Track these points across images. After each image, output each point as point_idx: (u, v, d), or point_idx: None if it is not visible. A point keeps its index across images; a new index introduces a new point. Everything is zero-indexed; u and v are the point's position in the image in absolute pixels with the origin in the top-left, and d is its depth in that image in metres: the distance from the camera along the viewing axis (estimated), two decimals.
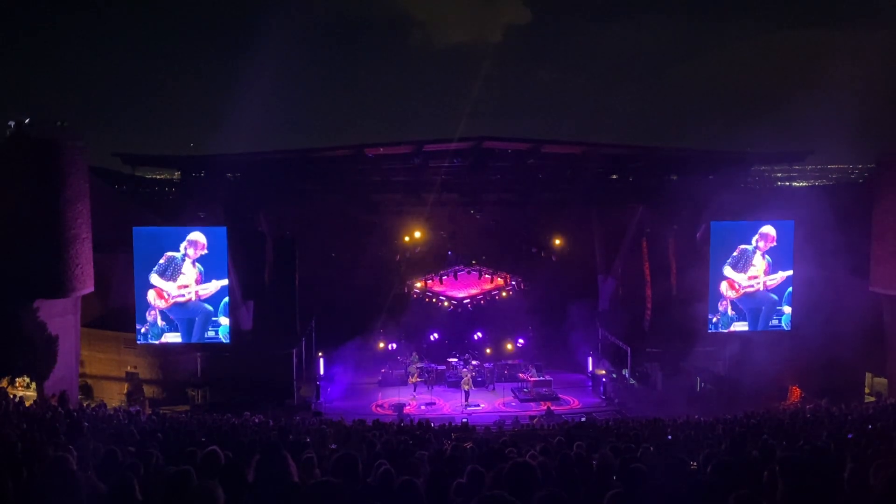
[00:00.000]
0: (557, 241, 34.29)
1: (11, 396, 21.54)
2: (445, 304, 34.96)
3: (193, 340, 27.59)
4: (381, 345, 33.51)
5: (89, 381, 28.29)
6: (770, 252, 28.44)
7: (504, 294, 35.55)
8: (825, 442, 10.84)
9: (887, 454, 8.46)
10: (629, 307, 32.29)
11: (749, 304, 28.61)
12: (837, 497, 5.93)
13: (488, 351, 33.39)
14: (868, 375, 27.73)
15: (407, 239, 33.85)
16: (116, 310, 28.51)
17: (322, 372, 30.43)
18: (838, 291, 25.39)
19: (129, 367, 28.40)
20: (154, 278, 27.25)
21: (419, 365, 31.71)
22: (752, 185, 35.55)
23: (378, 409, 28.00)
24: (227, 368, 27.71)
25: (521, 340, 34.40)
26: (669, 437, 14.54)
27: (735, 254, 28.44)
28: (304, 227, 32.26)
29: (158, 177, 39.11)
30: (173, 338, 27.39)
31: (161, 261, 27.14)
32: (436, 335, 34.54)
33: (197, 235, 27.41)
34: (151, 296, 27.21)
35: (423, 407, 27.99)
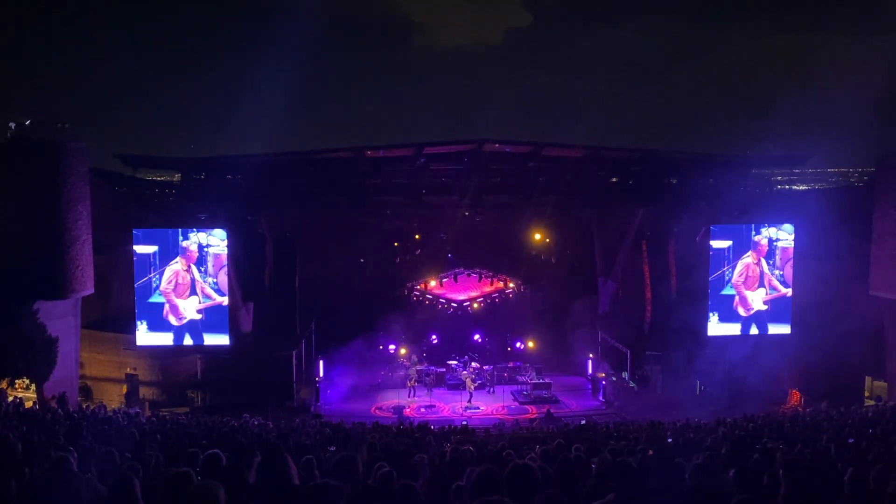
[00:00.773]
0: (557, 244, 34.28)
1: (11, 398, 21.56)
2: (445, 306, 34.95)
3: (194, 344, 27.65)
4: (381, 347, 33.50)
5: (89, 383, 28.28)
6: (770, 256, 28.46)
7: (504, 297, 35.56)
8: (825, 445, 10.85)
9: (888, 458, 8.47)
10: (629, 310, 32.27)
11: (755, 318, 28.67)
12: (838, 501, 5.93)
13: (488, 353, 33.39)
14: (868, 379, 27.72)
15: (407, 241, 33.84)
16: (116, 311, 28.49)
17: (322, 374, 30.41)
18: (838, 295, 25.39)
19: (128, 369, 28.40)
20: (161, 298, 27.20)
21: (419, 367, 31.72)
22: (753, 189, 35.54)
23: (378, 411, 28.00)
24: (227, 370, 27.70)
25: (519, 343, 34.41)
26: (669, 440, 14.53)
27: (740, 270, 28.43)
28: (304, 230, 32.28)
29: (159, 178, 39.07)
30: (168, 339, 27.41)
31: (167, 276, 27.13)
32: (435, 338, 34.54)
33: (189, 243, 27.34)
34: (167, 311, 27.24)
35: (422, 409, 27.98)
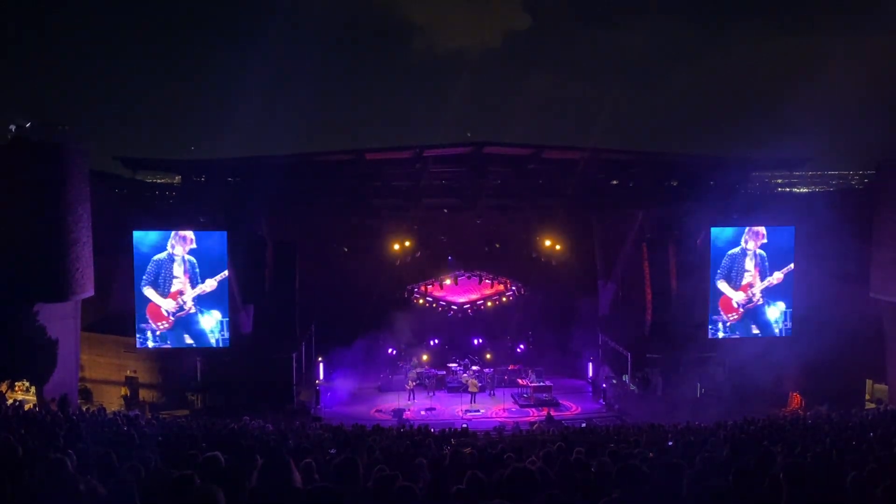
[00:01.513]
0: (558, 247, 34.28)
1: (11, 401, 21.53)
2: (446, 309, 34.93)
3: (196, 346, 27.68)
4: (381, 349, 33.47)
5: (89, 385, 28.26)
6: (764, 249, 28.52)
7: (504, 299, 35.55)
8: (826, 449, 10.82)
9: (889, 462, 8.45)
10: (629, 312, 32.26)
11: (751, 316, 28.70)
12: None
13: (488, 356, 33.37)
14: (868, 382, 27.69)
15: (407, 244, 33.84)
16: (116, 314, 28.50)
17: (322, 377, 30.40)
18: (838, 298, 25.38)
19: (128, 371, 28.38)
20: (148, 291, 27.24)
21: (419, 370, 31.71)
22: (753, 191, 35.55)
23: (378, 414, 27.96)
24: (227, 373, 27.69)
25: (520, 346, 34.39)
26: (670, 443, 14.49)
27: (725, 261, 28.50)
28: (304, 232, 32.28)
29: (159, 181, 39.06)
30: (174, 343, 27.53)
31: (149, 268, 27.20)
32: (436, 340, 34.52)
33: (185, 231, 27.56)
34: (151, 312, 27.25)
35: (422, 412, 27.95)
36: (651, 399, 28.40)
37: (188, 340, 27.74)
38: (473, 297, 35.49)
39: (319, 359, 31.11)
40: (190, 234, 27.61)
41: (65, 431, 13.41)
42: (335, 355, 31.04)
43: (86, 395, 27.76)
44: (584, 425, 22.38)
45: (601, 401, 29.57)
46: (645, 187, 34.62)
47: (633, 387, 29.57)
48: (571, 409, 29.04)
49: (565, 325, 32.79)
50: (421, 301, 34.90)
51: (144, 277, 27.17)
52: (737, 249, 28.67)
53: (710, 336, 28.64)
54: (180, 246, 27.43)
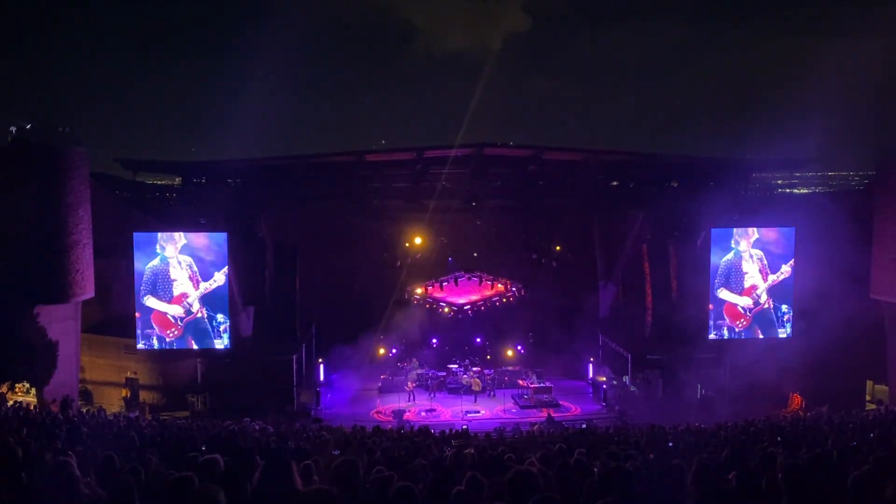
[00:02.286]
0: (558, 248, 34.29)
1: (11, 402, 21.54)
2: (446, 310, 34.93)
3: (200, 347, 27.73)
4: (382, 351, 33.49)
5: (89, 387, 28.27)
6: (758, 247, 28.47)
7: (505, 300, 35.54)
8: (827, 450, 10.80)
9: (890, 463, 8.43)
10: (630, 314, 32.26)
11: (761, 320, 28.70)
12: None
13: (488, 357, 33.36)
14: (869, 383, 27.70)
15: (407, 245, 33.85)
16: (117, 315, 28.50)
17: (322, 378, 30.40)
18: (839, 298, 25.37)
19: (129, 373, 28.38)
20: (150, 301, 27.14)
21: (419, 371, 31.71)
22: (753, 192, 35.56)
23: (378, 415, 27.95)
24: (227, 374, 27.68)
25: (520, 347, 34.38)
26: (670, 444, 14.48)
27: (721, 270, 28.37)
28: (304, 234, 32.29)
29: (159, 182, 39.10)
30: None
31: (146, 277, 27.08)
32: (436, 341, 34.51)
33: (173, 231, 27.47)
34: (158, 321, 27.22)
35: (423, 413, 27.95)
36: (651, 400, 28.39)
37: (193, 346, 27.75)
38: (474, 298, 35.48)
39: (320, 360, 31.11)
40: (178, 233, 27.55)
41: (65, 433, 13.42)
42: (336, 357, 31.04)
43: (86, 396, 27.77)
44: (584, 426, 22.37)
45: (601, 402, 29.56)
46: (645, 188, 34.64)
47: (633, 388, 29.56)
48: (572, 410, 29.03)
49: (566, 327, 32.77)
50: (421, 302, 34.89)
51: (143, 287, 27.05)
52: (730, 255, 28.51)
53: (710, 337, 28.63)
54: (171, 246, 27.29)
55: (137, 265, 27.01)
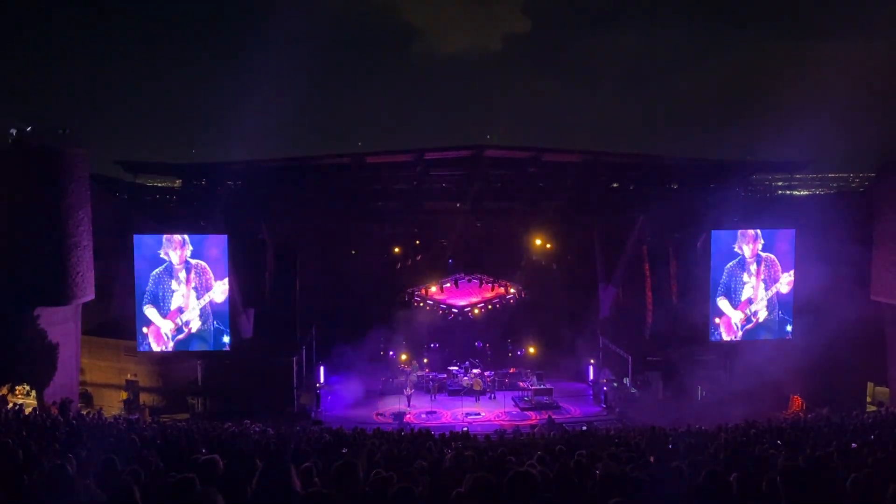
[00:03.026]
0: (558, 250, 34.29)
1: (11, 405, 21.52)
2: (446, 312, 34.94)
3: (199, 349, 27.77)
4: (382, 353, 33.46)
5: (89, 389, 28.27)
6: (766, 252, 28.42)
7: (505, 302, 35.54)
8: (827, 452, 10.80)
9: (889, 464, 8.43)
10: (630, 315, 32.22)
11: (750, 335, 28.68)
12: None
13: (489, 359, 33.35)
14: (870, 385, 27.67)
15: (407, 247, 33.87)
16: (117, 317, 28.50)
17: (322, 380, 30.36)
18: (839, 300, 25.35)
19: (129, 375, 28.38)
20: (150, 311, 26.94)
21: (420, 373, 31.69)
22: (753, 194, 35.60)
23: (378, 417, 27.94)
24: (228, 376, 27.66)
25: (520, 349, 34.37)
26: (670, 446, 14.48)
27: (724, 277, 28.24)
28: (305, 235, 32.31)
29: (159, 184, 39.16)
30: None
31: (149, 285, 26.84)
32: (436, 343, 34.50)
33: (177, 234, 27.17)
34: (153, 333, 27.08)
35: (423, 415, 27.93)
36: (652, 402, 28.36)
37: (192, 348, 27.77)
38: (474, 300, 35.49)
39: (320, 362, 31.08)
40: (184, 235, 27.35)
41: (65, 435, 13.42)
42: (336, 359, 31.01)
43: (86, 398, 27.76)
44: (584, 428, 22.35)
45: (602, 404, 29.55)
46: (645, 191, 34.67)
47: (633, 390, 29.53)
48: (572, 412, 29.00)
49: (566, 328, 32.77)
50: (421, 304, 34.89)
51: (145, 296, 26.90)
52: (733, 263, 28.33)
53: (710, 339, 28.61)
54: (175, 253, 27.05)
55: (140, 269, 26.88)
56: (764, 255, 28.41)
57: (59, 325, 24.89)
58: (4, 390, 23.19)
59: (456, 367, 32.26)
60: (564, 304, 33.71)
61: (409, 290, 34.82)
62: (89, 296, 25.56)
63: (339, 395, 30.41)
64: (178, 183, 36.51)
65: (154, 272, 26.97)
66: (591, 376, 31.78)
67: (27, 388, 24.51)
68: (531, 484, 4.97)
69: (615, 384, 30.36)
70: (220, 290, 27.40)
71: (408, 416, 27.51)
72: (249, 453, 10.40)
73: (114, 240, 27.03)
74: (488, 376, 31.34)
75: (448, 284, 34.86)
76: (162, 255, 26.95)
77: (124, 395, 27.99)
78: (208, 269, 27.30)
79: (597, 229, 34.42)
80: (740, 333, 28.53)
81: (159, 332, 27.13)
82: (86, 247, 24.99)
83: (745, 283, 28.37)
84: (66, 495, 5.41)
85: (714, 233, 28.46)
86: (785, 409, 26.97)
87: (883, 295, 25.62)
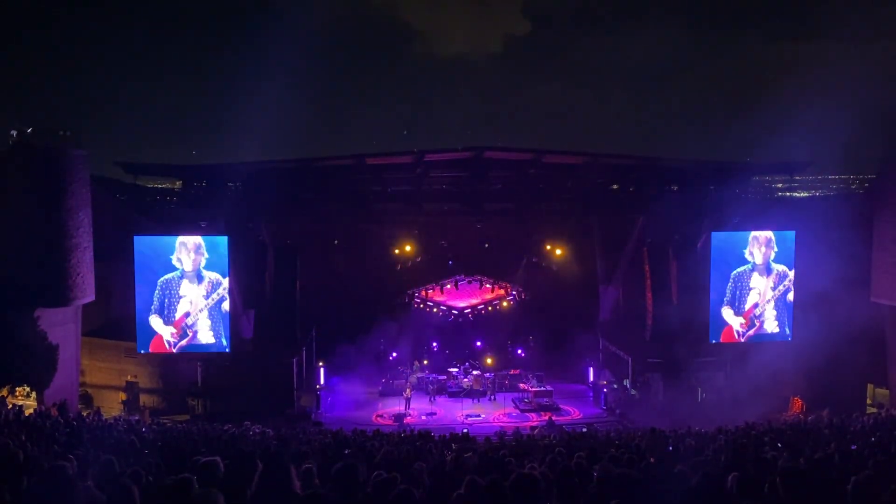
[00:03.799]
0: (558, 251, 34.30)
1: (11, 406, 21.51)
2: (446, 313, 34.92)
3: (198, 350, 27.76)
4: (382, 355, 33.44)
5: (89, 391, 28.27)
6: (778, 261, 28.36)
7: (505, 304, 35.53)
8: (827, 454, 10.79)
9: (890, 467, 8.42)
10: (630, 317, 32.23)
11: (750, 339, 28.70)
12: None
13: (489, 361, 33.34)
14: (870, 386, 27.65)
15: (408, 248, 33.87)
16: (117, 319, 28.51)
17: (322, 381, 30.35)
18: (840, 302, 25.36)
19: (129, 376, 28.37)
20: (155, 321, 26.92)
21: (419, 375, 31.68)
22: (753, 196, 35.60)
23: (378, 419, 27.92)
24: (228, 378, 27.67)
25: (520, 351, 34.36)
26: (670, 447, 14.47)
27: (730, 285, 28.13)
28: (305, 237, 32.31)
29: (160, 186, 39.15)
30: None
31: (156, 294, 26.76)
32: (436, 345, 34.49)
33: (189, 237, 27.10)
34: (154, 344, 27.14)
35: (423, 417, 27.91)
36: (652, 403, 28.37)
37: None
38: (474, 301, 35.48)
39: (320, 363, 31.06)
40: (197, 239, 27.15)
41: (65, 437, 13.42)
42: (336, 360, 30.99)
43: (86, 400, 27.76)
44: (584, 430, 22.34)
45: (602, 405, 29.53)
46: (646, 192, 34.64)
47: (633, 391, 29.53)
48: (572, 413, 28.98)
49: (566, 330, 32.76)
50: (422, 306, 34.88)
51: (152, 307, 26.82)
52: (743, 268, 28.20)
53: (711, 341, 28.61)
54: (188, 259, 26.93)
55: (141, 270, 26.84)
56: (776, 266, 28.27)
57: (60, 327, 24.89)
58: (4, 391, 23.19)
59: (456, 369, 32.25)
60: (564, 306, 33.69)
61: (410, 292, 34.82)
62: (89, 297, 25.57)
63: (340, 397, 30.40)
64: (178, 184, 36.50)
65: (163, 278, 26.85)
66: (592, 378, 31.76)
67: (27, 389, 24.52)
68: (534, 486, 4.97)
69: (615, 386, 30.35)
70: (218, 296, 27.41)
71: (408, 417, 27.49)
72: (250, 454, 10.39)
73: (114, 241, 27.03)
74: (488, 378, 31.32)
75: (448, 286, 34.85)
76: (174, 262, 26.86)
77: (123, 396, 27.99)
78: (222, 279, 27.26)
79: (597, 231, 34.42)
80: (742, 340, 28.52)
81: (161, 342, 27.15)
82: (86, 248, 25.01)
83: (751, 289, 28.31)
84: (65, 497, 5.40)
85: (724, 237, 28.43)
86: (785, 410, 26.95)
87: (883, 297, 25.61)
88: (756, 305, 28.40)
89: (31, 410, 21.80)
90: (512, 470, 7.24)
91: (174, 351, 27.37)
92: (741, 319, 28.45)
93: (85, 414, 23.33)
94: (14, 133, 25.91)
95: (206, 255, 27.07)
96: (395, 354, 33.58)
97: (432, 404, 29.61)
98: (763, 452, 10.96)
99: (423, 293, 34.88)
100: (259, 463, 5.95)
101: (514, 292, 35.43)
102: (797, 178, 41.76)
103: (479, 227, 34.42)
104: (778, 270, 28.31)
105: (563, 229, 34.38)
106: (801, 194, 44.19)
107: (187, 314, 27.17)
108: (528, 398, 29.63)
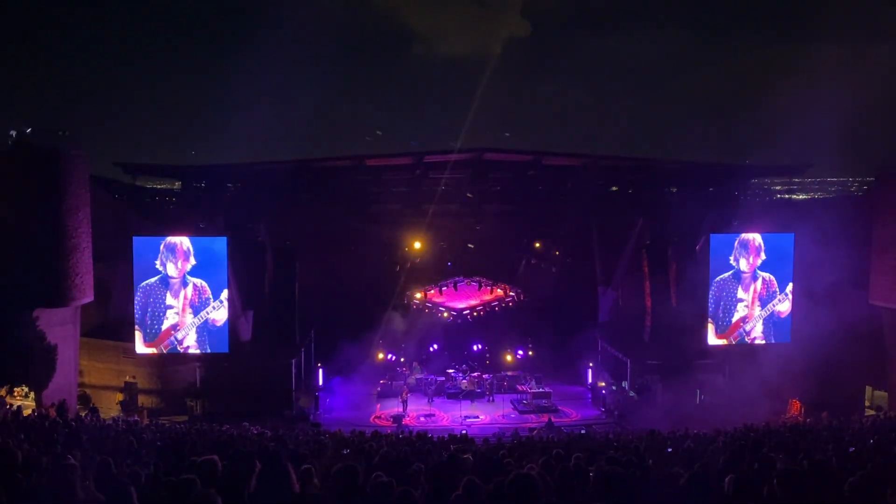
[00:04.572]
0: (557, 253, 34.31)
1: (9, 406, 21.50)
2: (445, 314, 34.93)
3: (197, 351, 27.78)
4: (381, 356, 33.45)
5: (88, 391, 28.21)
6: (766, 269, 28.34)
7: (504, 305, 35.52)
8: (826, 456, 10.80)
9: (888, 469, 8.43)
10: (629, 319, 32.25)
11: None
12: None
13: (488, 362, 33.36)
14: (868, 389, 27.67)
15: (407, 250, 33.88)
16: (116, 319, 28.48)
17: (321, 383, 30.35)
18: (838, 304, 25.39)
19: (127, 377, 28.33)
20: (137, 337, 26.89)
21: (418, 376, 31.67)
22: (752, 198, 35.63)
23: (377, 420, 27.92)
24: (226, 378, 27.65)
25: (520, 352, 34.35)
26: (669, 449, 14.46)
27: (712, 294, 28.03)
28: (304, 238, 32.29)
29: (159, 186, 39.13)
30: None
31: (137, 299, 26.51)
32: (435, 346, 34.49)
33: (177, 238, 26.92)
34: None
35: (421, 418, 27.91)
36: (650, 405, 28.34)
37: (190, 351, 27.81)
38: (473, 302, 35.49)
39: (319, 365, 31.06)
40: (185, 241, 27.02)
41: (64, 437, 13.40)
42: (335, 361, 31.00)
43: (85, 400, 27.70)
44: (583, 431, 22.35)
45: (601, 407, 29.53)
46: (645, 194, 34.69)
47: (632, 393, 29.53)
48: (571, 415, 28.98)
49: (565, 332, 32.76)
50: (421, 307, 34.87)
51: (136, 316, 26.69)
52: (726, 275, 28.22)
53: (709, 343, 28.62)
54: (173, 264, 26.77)
55: (139, 271, 26.85)
56: (762, 274, 28.26)
57: (58, 327, 24.85)
58: (3, 392, 23.16)
59: (454, 370, 32.24)
60: (563, 307, 33.70)
61: (409, 293, 34.82)
62: (88, 297, 25.54)
63: (338, 398, 30.39)
64: (177, 185, 36.49)
65: (145, 282, 26.69)
66: (590, 380, 31.77)
67: (26, 389, 24.49)
68: (532, 486, 4.98)
69: (614, 387, 30.35)
70: (220, 312, 27.26)
71: (406, 419, 27.49)
72: (248, 454, 10.39)
73: (113, 242, 27.01)
74: (487, 379, 31.32)
75: (447, 287, 34.85)
76: (158, 266, 26.75)
77: (120, 396, 27.95)
78: (207, 288, 27.11)
79: (596, 233, 34.44)
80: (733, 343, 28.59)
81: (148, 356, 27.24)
82: (85, 248, 24.98)
83: (739, 301, 28.28)
84: (65, 497, 5.41)
85: (722, 239, 28.46)
86: (784, 412, 26.96)
87: (881, 299, 25.64)
88: (744, 320, 28.41)
89: (30, 411, 21.82)
90: (510, 471, 7.24)
91: (165, 352, 27.41)
92: (726, 337, 28.45)
93: (83, 414, 23.31)
94: (14, 133, 25.89)
95: (194, 261, 26.98)
96: (393, 356, 33.58)
97: (431, 405, 29.62)
98: (761, 455, 10.96)
99: (423, 294, 34.88)
100: (257, 463, 5.95)
101: (512, 294, 35.43)
102: (796, 180, 41.77)
103: (478, 228, 34.43)
104: (764, 278, 28.28)
105: (563, 231, 34.40)
106: (801, 196, 44.17)
107: (175, 327, 27.10)
108: (526, 399, 29.63)
